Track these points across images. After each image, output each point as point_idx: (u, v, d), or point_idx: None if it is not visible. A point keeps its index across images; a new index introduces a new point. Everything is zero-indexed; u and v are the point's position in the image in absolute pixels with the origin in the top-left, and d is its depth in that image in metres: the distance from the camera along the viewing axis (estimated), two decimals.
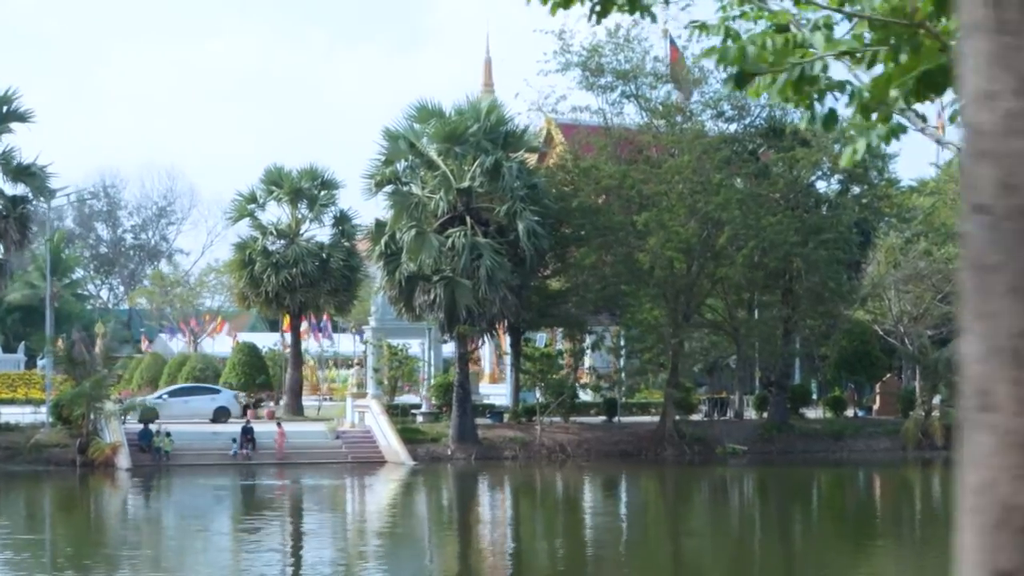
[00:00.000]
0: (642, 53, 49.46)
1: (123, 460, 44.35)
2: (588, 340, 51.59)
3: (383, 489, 43.20)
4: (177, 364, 57.80)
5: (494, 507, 39.44)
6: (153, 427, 46.71)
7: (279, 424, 48.18)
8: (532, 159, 51.03)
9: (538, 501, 40.29)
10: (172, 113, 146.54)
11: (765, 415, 52.80)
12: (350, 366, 64.40)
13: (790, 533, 33.57)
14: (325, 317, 66.27)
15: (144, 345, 72.81)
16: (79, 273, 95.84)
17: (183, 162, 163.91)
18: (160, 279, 75.34)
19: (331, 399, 62.93)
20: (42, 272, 79.95)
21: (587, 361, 56.05)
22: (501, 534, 32.96)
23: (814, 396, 57.06)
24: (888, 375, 58.49)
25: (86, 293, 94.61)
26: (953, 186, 56.84)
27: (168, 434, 45.95)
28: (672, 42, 51.72)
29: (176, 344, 73.77)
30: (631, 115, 50.90)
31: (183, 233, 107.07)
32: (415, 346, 58.24)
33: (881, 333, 55.05)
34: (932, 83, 3.84)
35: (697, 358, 54.82)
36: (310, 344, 67.70)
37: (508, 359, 57.19)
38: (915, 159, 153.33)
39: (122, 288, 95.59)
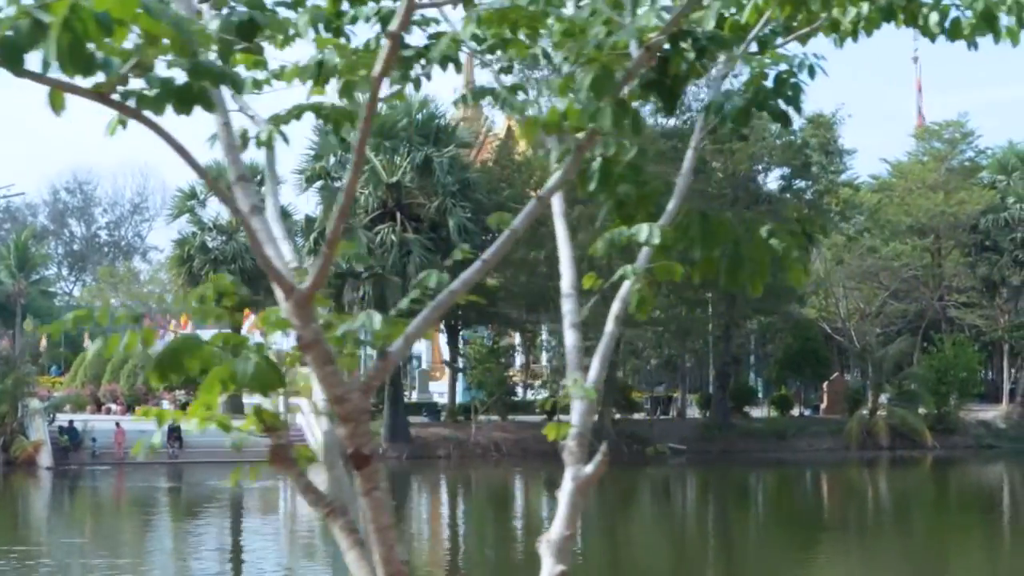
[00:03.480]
0: None
1: (45, 459, 43.82)
2: (518, 337, 50.98)
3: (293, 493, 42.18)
4: (120, 361, 57.15)
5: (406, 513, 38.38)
6: (79, 425, 46.17)
7: (117, 424, 46.24)
8: (466, 153, 50.22)
9: (457, 504, 39.57)
10: None
11: (708, 414, 52.07)
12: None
13: (703, 539, 32.82)
14: None
15: (86, 342, 72.10)
16: (51, 270, 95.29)
17: (156, 159, 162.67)
18: (109, 276, 74.67)
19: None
20: (10, 270, 79.33)
21: (543, 359, 55.30)
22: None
23: (760, 394, 56.25)
24: (836, 374, 57.59)
25: (56, 291, 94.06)
26: (903, 183, 55.82)
27: (94, 439, 45.28)
28: None
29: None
30: None
31: (156, 230, 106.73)
32: None
33: (829, 331, 54.15)
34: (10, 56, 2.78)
35: (643, 357, 53.99)
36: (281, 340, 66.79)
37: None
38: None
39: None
